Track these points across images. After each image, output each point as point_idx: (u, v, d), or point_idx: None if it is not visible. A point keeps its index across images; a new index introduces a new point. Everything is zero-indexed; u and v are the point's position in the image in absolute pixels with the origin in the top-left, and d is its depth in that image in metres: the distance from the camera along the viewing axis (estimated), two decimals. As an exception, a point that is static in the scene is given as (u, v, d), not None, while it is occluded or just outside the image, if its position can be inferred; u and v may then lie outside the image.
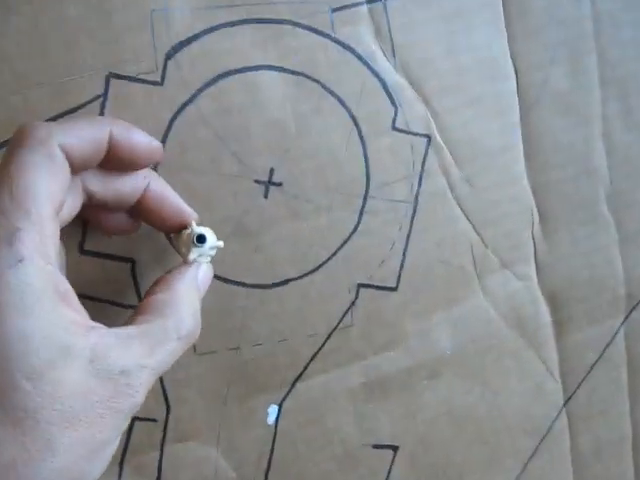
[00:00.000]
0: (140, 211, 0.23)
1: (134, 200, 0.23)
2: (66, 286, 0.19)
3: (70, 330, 0.18)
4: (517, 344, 0.31)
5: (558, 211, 0.31)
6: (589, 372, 0.33)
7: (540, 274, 0.31)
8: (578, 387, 0.33)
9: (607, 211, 0.31)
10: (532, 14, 0.28)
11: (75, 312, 0.19)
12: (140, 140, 0.21)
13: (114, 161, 0.21)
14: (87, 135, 0.20)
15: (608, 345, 0.33)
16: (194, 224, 0.23)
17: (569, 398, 0.33)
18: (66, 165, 0.19)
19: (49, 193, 0.19)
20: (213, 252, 0.24)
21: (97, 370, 0.18)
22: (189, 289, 0.22)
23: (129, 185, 0.22)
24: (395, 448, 0.30)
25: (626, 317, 0.33)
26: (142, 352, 0.20)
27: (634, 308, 0.33)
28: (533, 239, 0.31)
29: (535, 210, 0.30)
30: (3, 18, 0.23)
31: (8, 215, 0.18)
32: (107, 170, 0.21)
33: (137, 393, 0.19)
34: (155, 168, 0.25)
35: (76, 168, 0.20)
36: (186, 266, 0.23)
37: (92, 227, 0.24)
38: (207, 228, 0.23)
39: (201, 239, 0.23)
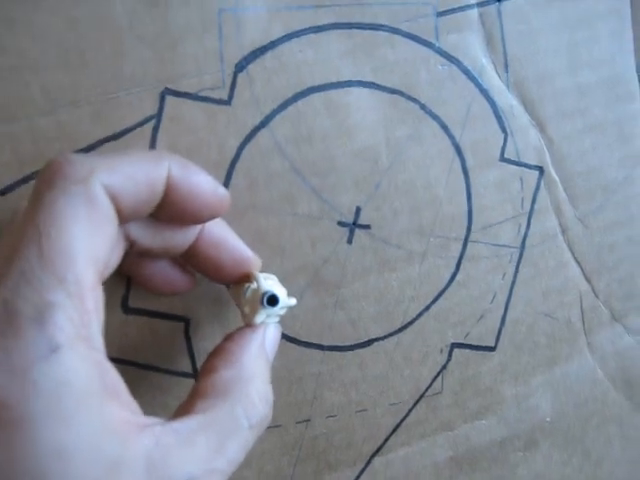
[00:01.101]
0: (193, 258, 0.18)
1: (186, 247, 0.18)
2: (113, 376, 0.14)
3: (120, 435, 0.14)
4: (623, 408, 0.27)
5: None
6: None
7: None
8: None
9: None
10: None
11: (125, 409, 0.14)
12: (204, 183, 0.16)
13: (167, 210, 0.16)
14: (140, 174, 0.15)
15: None
16: (261, 278, 0.18)
17: None
18: (113, 213, 0.14)
19: (91, 253, 0.14)
20: (283, 311, 0.19)
21: None
22: (258, 362, 0.18)
23: (179, 230, 0.17)
24: None
25: None
26: (209, 451, 0.15)
27: None
28: None
29: None
30: (28, 17, 0.18)
31: (37, 284, 0.13)
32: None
33: None
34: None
35: (124, 217, 0.15)
36: (251, 330, 0.18)
37: (137, 284, 0.19)
38: (274, 278, 0.19)
39: (273, 301, 0.18)
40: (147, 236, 0.17)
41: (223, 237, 0.18)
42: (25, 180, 0.18)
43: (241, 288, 0.19)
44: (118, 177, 0.14)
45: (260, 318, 0.18)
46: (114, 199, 0.14)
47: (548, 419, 0.26)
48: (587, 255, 0.25)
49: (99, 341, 0.14)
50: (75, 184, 0.14)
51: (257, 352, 0.18)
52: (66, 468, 0.13)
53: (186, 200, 0.16)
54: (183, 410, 0.16)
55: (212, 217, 0.17)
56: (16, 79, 0.18)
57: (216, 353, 0.18)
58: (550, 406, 0.26)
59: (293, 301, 0.19)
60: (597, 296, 0.25)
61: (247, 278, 0.19)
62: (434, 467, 0.25)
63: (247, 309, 0.18)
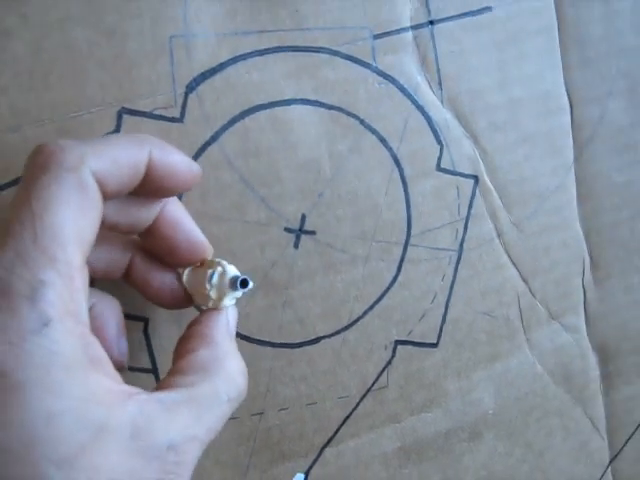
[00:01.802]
0: (151, 237, 0.20)
1: (149, 222, 0.19)
2: (97, 348, 0.16)
3: (105, 402, 0.15)
4: (563, 401, 0.29)
5: (611, 257, 0.28)
6: (637, 428, 0.30)
7: (590, 325, 0.28)
8: (625, 444, 0.30)
9: None
10: (590, 43, 0.25)
11: (109, 378, 0.16)
12: (180, 162, 0.18)
13: (147, 186, 0.18)
14: (125, 158, 0.16)
15: None
16: (225, 263, 0.20)
17: (615, 456, 0.30)
18: (99, 198, 0.16)
19: (79, 236, 0.15)
20: (240, 294, 0.20)
21: (140, 447, 0.15)
22: (230, 341, 0.19)
23: (143, 206, 0.19)
24: None
25: None
26: (190, 421, 0.17)
27: None
28: (583, 287, 0.28)
29: (587, 256, 0.28)
30: (0, 44, 0.19)
31: (30, 264, 0.14)
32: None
33: (186, 472, 0.16)
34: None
35: (108, 198, 0.17)
36: (217, 312, 0.20)
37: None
38: (231, 265, 0.20)
39: (245, 283, 0.19)
40: (115, 212, 0.18)
41: (180, 218, 0.20)
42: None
43: (203, 273, 0.20)
44: (105, 162, 0.16)
45: (228, 301, 0.20)
46: (101, 183, 0.16)
47: (491, 412, 0.28)
48: (523, 257, 0.27)
49: (85, 316, 0.16)
50: (67, 171, 0.15)
51: (227, 332, 0.20)
52: (54, 433, 0.14)
53: (165, 177, 0.18)
54: (163, 386, 0.17)
55: (186, 189, 0.19)
56: (-16, 100, 0.20)
57: (189, 336, 0.19)
58: (493, 400, 0.28)
59: (251, 284, 0.21)
60: (534, 296, 0.27)
61: (204, 264, 0.20)
62: (383, 457, 0.26)
63: (214, 293, 0.20)
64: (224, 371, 0.18)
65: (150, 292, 0.21)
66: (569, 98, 0.26)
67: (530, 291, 0.27)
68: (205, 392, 0.17)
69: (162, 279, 0.20)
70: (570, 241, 0.27)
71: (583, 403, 0.29)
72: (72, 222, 0.15)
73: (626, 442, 0.30)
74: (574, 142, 0.26)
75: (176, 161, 0.18)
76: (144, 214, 0.19)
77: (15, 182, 0.20)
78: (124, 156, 0.16)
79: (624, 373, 0.29)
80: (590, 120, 0.26)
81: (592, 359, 0.29)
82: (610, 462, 0.30)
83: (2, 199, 0.20)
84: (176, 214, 0.20)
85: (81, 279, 0.15)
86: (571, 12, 0.25)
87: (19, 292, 0.14)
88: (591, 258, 0.28)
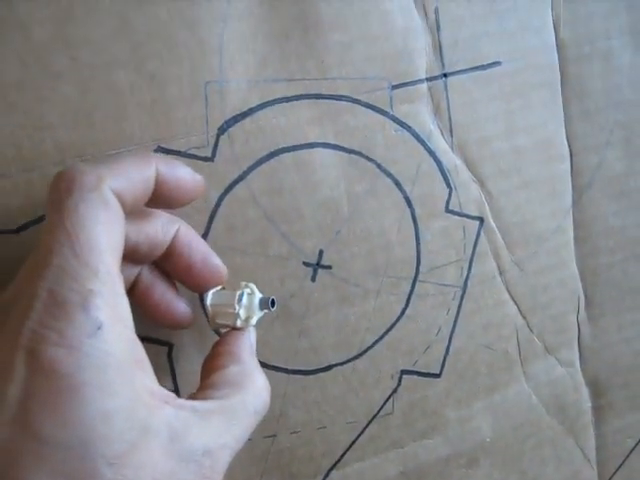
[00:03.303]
0: (169, 259, 0.21)
1: (165, 245, 0.21)
2: (141, 351, 0.17)
3: (148, 404, 0.16)
4: (556, 431, 0.30)
5: (605, 296, 0.30)
6: (626, 458, 0.32)
7: (583, 360, 0.30)
8: (613, 474, 0.32)
9: None
10: (590, 96, 0.27)
11: (151, 381, 0.17)
12: (185, 175, 0.20)
13: (158, 199, 0.19)
14: (137, 175, 0.18)
15: None
16: (253, 286, 0.22)
17: None
18: (121, 211, 0.18)
19: (112, 247, 0.17)
20: (262, 314, 0.22)
21: (178, 450, 0.17)
22: (254, 359, 0.21)
23: (160, 228, 0.20)
24: None
25: None
26: (222, 430, 0.18)
27: None
28: (578, 324, 0.29)
29: (582, 295, 0.29)
30: (50, 85, 0.21)
31: (77, 277, 0.16)
32: (137, 213, 0.20)
33: (219, 476, 0.18)
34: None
35: (127, 212, 0.18)
36: (242, 332, 0.21)
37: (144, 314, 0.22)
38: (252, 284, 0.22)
39: (274, 303, 0.21)
40: (135, 234, 0.20)
41: (194, 241, 0.22)
42: (37, 221, 0.22)
43: (231, 294, 0.22)
44: (121, 180, 0.18)
45: (254, 321, 0.22)
46: (120, 199, 0.17)
47: (488, 439, 0.29)
48: (522, 294, 0.28)
49: (130, 320, 0.17)
50: (91, 191, 0.17)
51: (251, 350, 0.21)
52: (108, 431, 0.15)
53: (172, 190, 0.19)
54: (196, 397, 0.19)
55: (194, 198, 0.20)
56: (34, 136, 0.21)
57: (217, 354, 0.21)
58: (490, 428, 0.29)
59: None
60: (532, 331, 0.29)
61: (226, 286, 0.22)
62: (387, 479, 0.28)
63: (243, 313, 0.21)
64: (252, 386, 0.20)
65: (149, 307, 0.22)
66: (569, 147, 0.28)
67: (528, 326, 0.28)
68: (236, 404, 0.19)
69: (163, 294, 0.22)
70: (567, 280, 0.29)
71: (575, 434, 0.31)
72: (104, 236, 0.17)
73: (615, 472, 0.32)
74: (573, 187, 0.28)
75: (181, 173, 0.20)
76: (160, 235, 0.20)
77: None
78: (136, 172, 0.18)
79: (615, 406, 0.31)
80: (589, 167, 0.28)
81: (585, 392, 0.30)
82: None
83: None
84: (190, 237, 0.21)
85: (121, 286, 0.17)
86: (573, 69, 0.27)
87: (72, 302, 0.16)
88: (586, 296, 0.29)
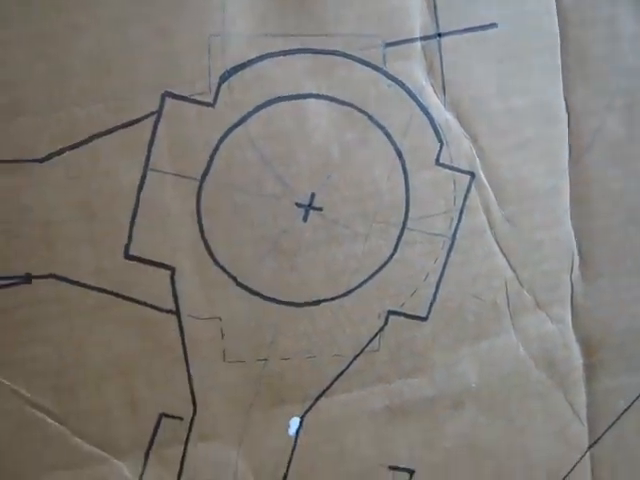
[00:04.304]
0: None
1: None
2: None
3: None
4: (545, 385, 0.32)
5: (601, 258, 0.31)
6: (618, 419, 0.33)
7: (575, 317, 0.31)
8: (605, 433, 0.33)
9: None
10: (591, 61, 0.28)
11: None
12: None
13: None
14: None
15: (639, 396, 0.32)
16: None
17: (594, 442, 0.33)
18: None
19: None
20: None
21: None
22: None
23: None
24: (411, 472, 0.31)
25: None
26: None
27: None
28: (571, 283, 0.31)
29: (577, 254, 0.30)
30: (73, 37, 0.24)
31: None
32: None
33: None
34: (202, 182, 0.26)
35: None
36: None
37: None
38: None
39: None
40: None
41: None
42: (59, 152, 0.25)
43: None
44: None
45: None
46: None
47: (474, 385, 0.31)
48: (513, 249, 0.30)
49: None
50: None
51: None
52: None
53: None
54: None
55: None
56: (62, 82, 0.25)
57: None
58: (476, 374, 0.31)
59: None
60: (522, 285, 0.30)
61: None
62: (372, 413, 0.30)
63: None
64: None
65: None
66: (567, 110, 0.29)
67: (518, 280, 0.30)
68: None
69: None
70: (561, 239, 0.30)
71: (564, 389, 0.32)
72: None
73: (606, 431, 0.33)
74: (571, 149, 0.29)
75: None
76: None
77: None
78: None
79: (608, 366, 0.32)
80: (588, 131, 0.29)
81: (576, 349, 0.31)
82: (589, 447, 0.33)
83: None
84: None
85: None
86: (574, 34, 0.28)
87: None
88: (581, 256, 0.30)
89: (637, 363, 0.32)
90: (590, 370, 0.32)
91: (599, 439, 0.33)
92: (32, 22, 0.24)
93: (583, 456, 0.33)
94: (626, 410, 0.33)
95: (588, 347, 0.32)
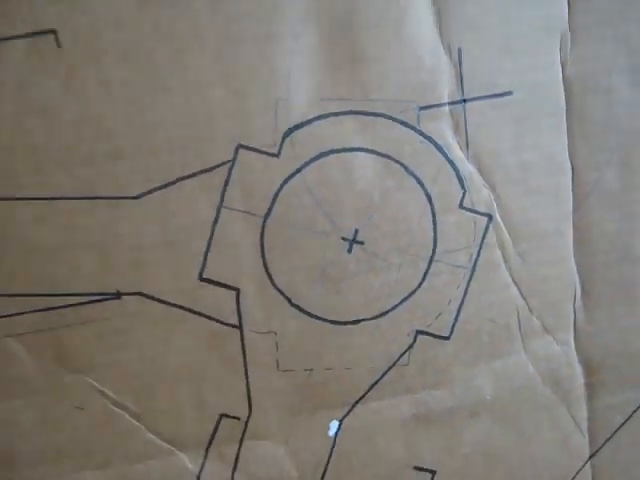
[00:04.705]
0: None
1: None
2: None
3: None
4: (551, 400, 0.36)
5: (600, 290, 0.35)
6: (615, 432, 0.37)
7: (578, 341, 0.36)
8: (603, 445, 0.37)
9: None
10: (591, 123, 0.33)
11: None
12: None
13: None
14: None
15: (635, 411, 0.37)
16: None
17: (594, 453, 0.37)
18: None
19: None
20: None
21: None
22: None
23: None
24: (433, 473, 0.35)
25: None
26: None
27: None
28: (574, 311, 0.35)
29: (578, 286, 0.35)
30: (165, 96, 0.30)
31: None
32: None
33: None
34: (265, 219, 0.31)
35: None
36: None
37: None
38: None
39: None
40: None
41: None
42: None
43: None
44: None
45: None
46: None
47: (488, 397, 0.35)
48: (524, 281, 0.34)
49: None
50: None
51: None
52: None
53: None
54: None
55: None
56: (155, 133, 0.30)
57: None
58: (491, 388, 0.35)
59: None
60: (531, 312, 0.35)
61: None
62: (400, 419, 0.35)
63: None
64: None
65: None
66: (571, 164, 0.34)
67: (528, 307, 0.35)
68: None
69: None
70: (565, 273, 0.35)
71: (568, 404, 0.36)
72: None
73: (604, 443, 0.37)
74: (574, 197, 0.34)
75: None
76: None
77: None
78: None
79: (606, 385, 0.36)
80: (588, 181, 0.34)
81: (578, 369, 0.36)
82: (590, 458, 0.37)
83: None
84: None
85: None
86: (577, 100, 0.33)
87: None
88: (582, 288, 0.35)
89: (632, 382, 0.37)
90: (590, 388, 0.36)
91: (598, 450, 0.37)
92: (132, 84, 0.30)
93: (584, 465, 0.37)
94: (622, 425, 0.37)
95: (589, 367, 0.36)
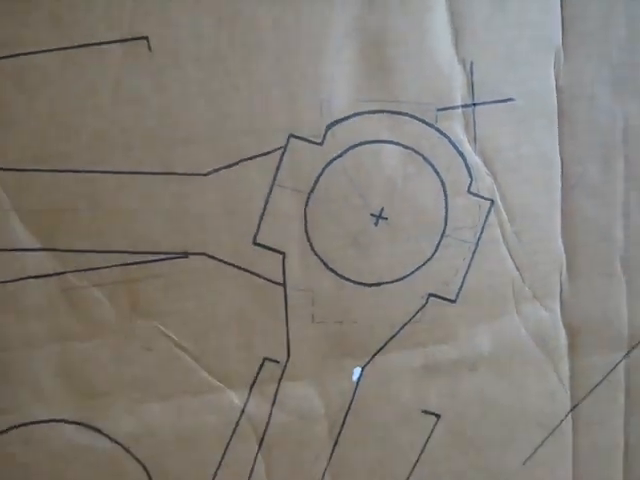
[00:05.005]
0: None
1: None
2: None
3: None
4: (539, 357, 0.39)
5: (582, 265, 0.39)
6: (593, 389, 0.40)
7: (562, 308, 0.39)
8: (583, 399, 0.40)
9: (620, 270, 0.40)
10: (578, 124, 0.39)
11: None
12: None
13: None
14: None
15: (611, 371, 0.40)
16: None
17: (575, 406, 0.41)
18: None
19: None
20: None
21: None
22: None
23: None
24: (438, 416, 0.39)
25: (627, 353, 0.41)
26: None
27: (634, 347, 0.41)
28: (560, 282, 0.40)
29: (564, 262, 0.39)
30: (232, 94, 0.36)
31: None
32: None
33: None
34: (309, 195, 0.38)
35: None
36: None
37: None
38: None
39: None
40: None
41: None
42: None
43: None
44: None
45: None
46: None
47: (487, 353, 0.42)
48: (519, 256, 0.39)
49: None
50: None
51: None
52: None
53: None
54: None
55: None
56: (216, 133, 0.37)
57: None
58: (489, 345, 0.40)
59: None
60: (524, 281, 0.41)
61: None
62: (412, 369, 0.38)
63: None
64: None
65: None
66: (561, 158, 0.40)
67: (521, 277, 0.40)
68: None
69: None
70: (553, 250, 0.39)
71: (554, 362, 0.41)
72: None
73: (584, 398, 0.40)
74: (562, 187, 0.40)
75: None
76: None
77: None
78: None
79: (586, 347, 0.41)
80: (574, 175, 0.41)
81: (562, 332, 0.40)
82: (571, 409, 0.41)
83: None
84: None
85: None
86: (567, 104, 0.39)
87: None
88: (568, 264, 0.40)
89: (609, 346, 0.40)
90: (572, 349, 0.40)
91: (579, 404, 0.41)
92: (207, 84, 0.35)
93: (566, 416, 0.41)
94: (600, 382, 0.40)
95: (571, 331, 0.40)
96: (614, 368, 0.41)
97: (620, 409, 0.42)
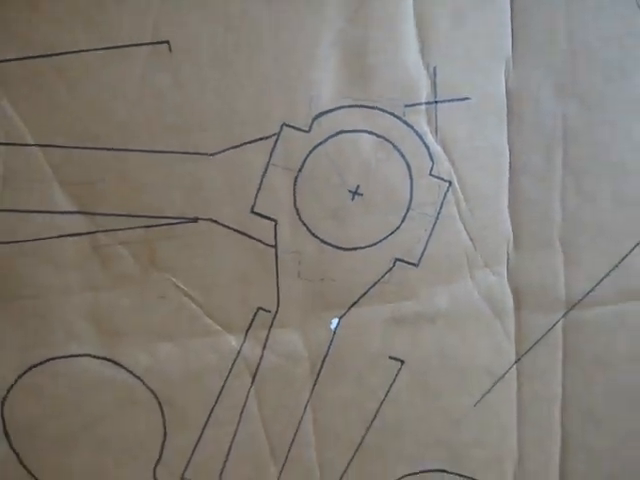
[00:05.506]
0: None
1: None
2: None
3: None
4: (488, 315, 0.44)
5: (526, 238, 0.43)
6: (534, 345, 0.45)
7: (509, 274, 0.44)
8: (525, 353, 0.45)
9: (558, 243, 0.44)
10: (524, 121, 0.46)
11: None
12: None
13: None
14: None
15: (550, 330, 0.45)
16: None
17: (519, 359, 0.45)
18: None
19: None
20: None
21: None
22: None
23: None
24: (402, 362, 0.44)
25: (564, 314, 0.45)
26: None
27: (570, 309, 0.45)
28: (507, 253, 0.44)
29: (511, 235, 0.43)
30: (238, 89, 0.45)
31: None
32: None
33: None
34: (298, 173, 0.46)
35: None
36: None
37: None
38: None
39: None
40: None
41: None
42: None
43: None
44: None
45: None
46: None
47: (444, 309, 0.48)
48: (472, 229, 0.43)
49: None
50: None
51: None
52: None
53: None
54: None
55: None
56: (232, 111, 0.45)
57: None
58: (446, 303, 0.45)
59: None
60: (476, 250, 0.47)
61: None
62: (382, 320, 0.42)
63: None
64: None
65: None
66: (509, 149, 0.45)
67: (474, 248, 0.47)
68: None
69: None
70: (502, 224, 0.43)
71: (501, 320, 0.45)
72: None
73: (526, 351, 0.45)
74: (510, 174, 0.47)
75: None
76: None
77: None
78: None
79: (528, 308, 0.46)
80: (521, 163, 0.47)
81: (509, 294, 0.44)
82: (515, 361, 0.45)
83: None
84: None
85: None
86: (515, 104, 0.45)
87: None
88: (514, 236, 0.45)
89: (549, 307, 0.45)
90: (517, 310, 0.45)
91: (522, 356, 0.45)
92: (219, 80, 0.44)
93: (511, 367, 0.45)
94: (540, 339, 0.45)
95: (516, 294, 0.44)
96: (553, 327, 0.45)
97: (558, 363, 0.46)
